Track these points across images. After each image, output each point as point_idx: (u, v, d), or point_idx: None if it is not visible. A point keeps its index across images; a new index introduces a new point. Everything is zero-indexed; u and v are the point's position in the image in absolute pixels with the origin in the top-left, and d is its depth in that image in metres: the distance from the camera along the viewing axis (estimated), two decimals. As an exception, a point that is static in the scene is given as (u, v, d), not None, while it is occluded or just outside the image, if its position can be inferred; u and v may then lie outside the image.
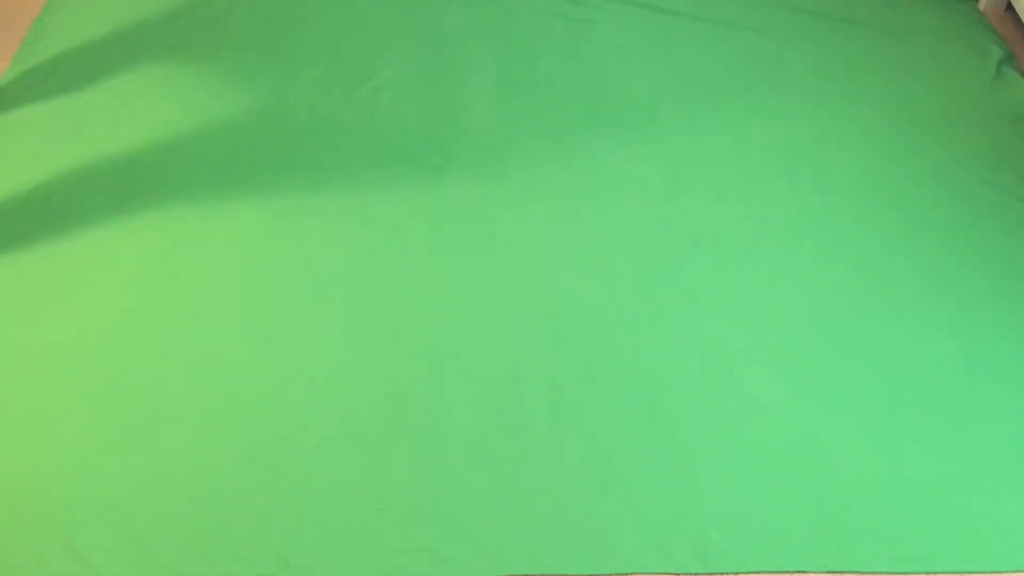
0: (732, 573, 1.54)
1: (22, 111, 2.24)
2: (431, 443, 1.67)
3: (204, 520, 1.56)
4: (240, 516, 1.57)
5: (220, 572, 1.51)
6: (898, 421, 1.74)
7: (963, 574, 1.55)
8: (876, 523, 1.60)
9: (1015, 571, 1.56)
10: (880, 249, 2.03)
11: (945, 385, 1.79)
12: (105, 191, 2.06)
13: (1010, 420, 1.74)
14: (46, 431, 1.66)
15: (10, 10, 2.57)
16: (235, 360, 1.77)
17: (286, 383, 1.74)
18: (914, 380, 1.80)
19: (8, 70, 2.36)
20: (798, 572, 1.55)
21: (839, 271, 1.98)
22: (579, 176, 2.16)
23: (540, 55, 2.49)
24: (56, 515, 1.56)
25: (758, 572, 1.54)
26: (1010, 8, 2.74)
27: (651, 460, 1.67)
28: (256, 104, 2.28)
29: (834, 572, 1.55)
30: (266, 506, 1.58)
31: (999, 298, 1.94)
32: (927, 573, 1.55)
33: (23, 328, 1.81)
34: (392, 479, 1.62)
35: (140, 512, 1.56)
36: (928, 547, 1.57)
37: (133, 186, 2.08)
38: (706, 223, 2.07)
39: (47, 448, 1.64)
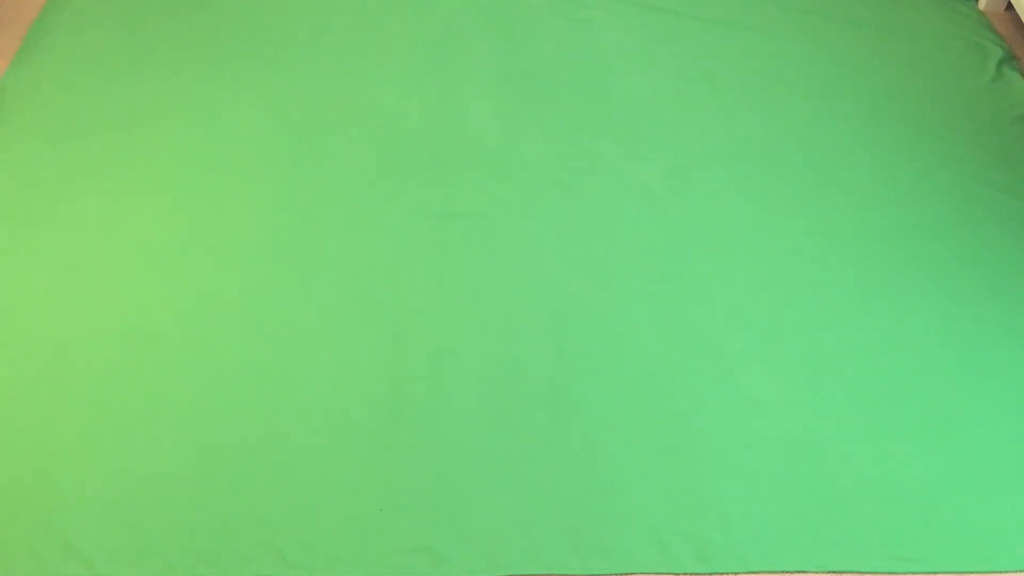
0: (732, 573, 1.54)
1: (22, 111, 2.24)
2: (431, 443, 1.67)
3: (204, 520, 1.56)
4: (239, 516, 1.57)
5: (220, 571, 1.51)
6: (898, 421, 1.74)
7: (963, 574, 1.55)
8: (876, 523, 1.60)
9: (1015, 571, 1.56)
10: (880, 249, 2.03)
11: (945, 385, 1.80)
12: (104, 191, 2.06)
13: (1009, 420, 1.75)
14: (46, 431, 1.66)
15: (10, 10, 2.57)
16: (235, 360, 1.77)
17: (286, 383, 1.74)
18: (914, 380, 1.80)
19: (8, 70, 2.36)
20: (798, 572, 1.55)
21: (839, 271, 1.98)
22: (579, 176, 2.16)
23: (540, 55, 2.49)
24: (56, 515, 1.56)
25: (758, 572, 1.54)
26: (1010, 8, 2.74)
27: (651, 460, 1.67)
28: (255, 104, 2.28)
29: (834, 572, 1.55)
30: (265, 506, 1.58)
31: (998, 298, 1.95)
32: (927, 573, 1.55)
33: (23, 328, 1.81)
34: (392, 479, 1.62)
35: (140, 512, 1.57)
36: (928, 547, 1.57)
37: (131, 186, 2.08)
38: (706, 223, 2.07)
39: (47, 448, 1.64)
